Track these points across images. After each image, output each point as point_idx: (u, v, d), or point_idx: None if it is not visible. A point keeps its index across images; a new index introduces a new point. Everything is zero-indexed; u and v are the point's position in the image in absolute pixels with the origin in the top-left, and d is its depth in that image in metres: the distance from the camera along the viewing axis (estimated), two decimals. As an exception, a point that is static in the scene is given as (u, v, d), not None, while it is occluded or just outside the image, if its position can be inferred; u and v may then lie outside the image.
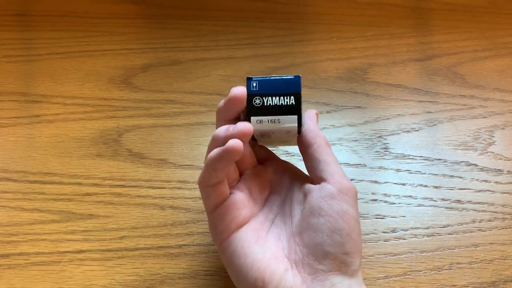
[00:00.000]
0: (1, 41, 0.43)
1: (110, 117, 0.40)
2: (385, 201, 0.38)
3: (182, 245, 0.36)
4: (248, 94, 0.28)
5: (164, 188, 0.38)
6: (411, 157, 0.39)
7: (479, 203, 0.38)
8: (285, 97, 0.28)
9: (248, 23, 0.45)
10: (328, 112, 0.41)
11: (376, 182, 0.38)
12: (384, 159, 0.39)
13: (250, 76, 0.28)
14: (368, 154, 0.40)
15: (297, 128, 0.28)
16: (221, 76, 0.42)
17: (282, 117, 0.27)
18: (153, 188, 0.38)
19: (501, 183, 0.39)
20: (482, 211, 0.38)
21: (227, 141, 0.26)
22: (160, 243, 0.36)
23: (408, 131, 0.40)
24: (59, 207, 0.37)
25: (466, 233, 0.37)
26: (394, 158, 0.39)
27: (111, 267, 0.35)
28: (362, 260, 0.36)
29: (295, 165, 0.33)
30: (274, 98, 0.28)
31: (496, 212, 0.38)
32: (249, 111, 0.28)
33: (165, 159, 0.39)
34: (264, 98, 0.28)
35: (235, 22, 0.45)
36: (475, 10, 0.46)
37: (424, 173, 0.39)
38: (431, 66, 0.43)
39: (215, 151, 0.26)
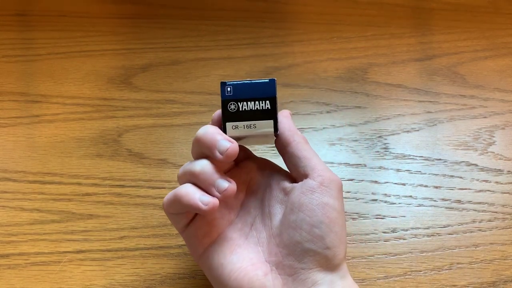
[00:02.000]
0: (1, 41, 0.43)
1: (110, 117, 0.40)
2: (385, 201, 0.38)
3: (182, 245, 0.36)
4: (222, 100, 0.27)
5: (164, 188, 0.38)
6: (411, 157, 0.39)
7: (479, 203, 0.38)
8: (261, 102, 0.27)
9: (248, 23, 0.45)
10: (328, 112, 0.41)
11: (376, 182, 0.38)
12: (384, 159, 0.39)
13: (224, 81, 0.28)
14: (368, 154, 0.39)
15: (273, 132, 0.27)
16: (221, 76, 0.42)
17: (258, 122, 0.27)
18: (153, 188, 0.38)
19: (501, 183, 0.39)
20: (482, 211, 0.38)
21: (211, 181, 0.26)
22: (160, 243, 0.36)
23: (408, 131, 0.40)
24: (59, 207, 0.37)
25: (466, 233, 0.37)
26: (394, 158, 0.39)
27: (111, 267, 0.35)
28: (363, 260, 0.36)
29: (274, 159, 0.32)
30: (249, 103, 0.27)
31: (496, 212, 0.37)
32: (224, 117, 0.27)
33: (165, 159, 0.39)
34: (239, 103, 0.27)
35: (235, 22, 0.45)
36: (475, 10, 0.46)
37: (424, 173, 0.39)
38: (431, 66, 0.43)
39: (184, 196, 0.26)
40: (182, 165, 0.38)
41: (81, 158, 0.39)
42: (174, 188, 0.37)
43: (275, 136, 0.28)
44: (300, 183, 0.28)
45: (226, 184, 0.26)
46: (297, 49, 0.44)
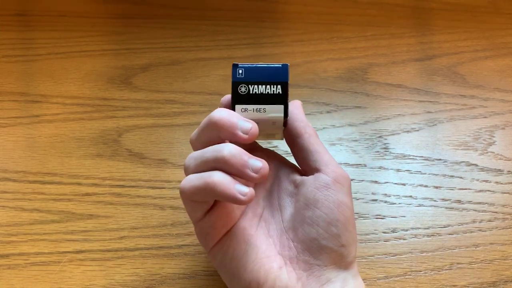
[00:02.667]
0: (1, 41, 0.43)
1: (110, 117, 0.40)
2: (385, 201, 0.38)
3: (182, 245, 0.36)
4: (233, 82, 0.27)
5: (164, 188, 0.38)
6: (411, 157, 0.39)
7: (480, 203, 0.38)
8: (272, 86, 0.27)
9: (248, 23, 0.45)
10: (328, 112, 0.41)
11: (376, 182, 0.38)
12: (384, 159, 0.39)
13: (236, 63, 0.27)
14: (368, 154, 0.39)
15: (283, 119, 0.27)
16: (221, 76, 0.42)
17: (268, 106, 0.27)
18: (153, 188, 0.38)
19: (502, 183, 0.39)
20: (483, 211, 0.38)
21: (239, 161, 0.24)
22: (160, 243, 0.36)
23: (408, 131, 0.40)
24: (59, 207, 0.37)
25: (466, 233, 0.37)
26: (394, 158, 0.39)
27: (111, 267, 0.35)
28: (363, 260, 0.36)
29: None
30: (260, 86, 0.27)
31: (496, 212, 0.37)
32: (234, 99, 0.27)
33: (165, 159, 0.39)
34: (250, 86, 0.27)
35: (235, 22, 0.45)
36: (475, 10, 0.46)
37: (425, 173, 0.39)
38: (431, 66, 0.43)
39: (218, 184, 0.24)
40: (182, 166, 0.38)
41: (81, 158, 0.39)
42: (174, 188, 0.38)
43: (284, 126, 0.28)
44: (311, 177, 0.28)
45: (260, 163, 0.25)
46: (297, 49, 0.44)
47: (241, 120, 0.25)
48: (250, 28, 0.44)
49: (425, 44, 0.44)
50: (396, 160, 0.39)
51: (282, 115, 0.27)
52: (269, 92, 0.27)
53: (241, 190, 0.24)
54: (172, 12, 0.45)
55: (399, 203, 0.38)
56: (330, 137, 0.40)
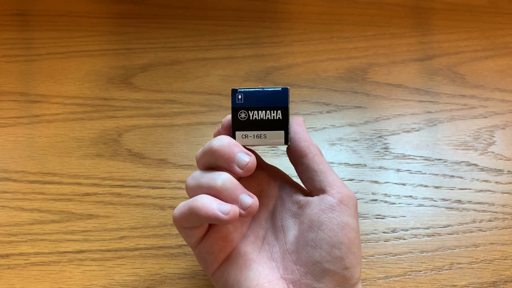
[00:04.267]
0: (1, 41, 0.43)
1: (109, 117, 0.40)
2: (385, 201, 0.38)
3: (182, 245, 0.36)
4: (233, 107, 0.26)
5: (164, 188, 0.38)
6: (411, 157, 0.39)
7: (480, 203, 0.38)
8: (272, 111, 0.26)
9: (248, 23, 0.45)
10: (328, 112, 0.41)
11: (376, 182, 0.38)
12: (385, 159, 0.39)
13: (235, 88, 0.27)
14: (368, 154, 0.39)
15: (283, 144, 0.27)
16: (221, 76, 0.42)
17: (268, 132, 0.26)
18: (153, 188, 0.38)
19: (502, 183, 0.39)
20: (483, 211, 0.37)
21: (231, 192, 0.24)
22: (160, 243, 0.36)
23: (408, 131, 0.40)
24: (58, 207, 0.37)
25: (466, 233, 0.37)
26: (394, 158, 0.39)
27: (111, 267, 0.35)
28: (363, 260, 0.35)
29: (274, 159, 0.32)
30: (260, 112, 0.26)
31: (496, 212, 0.37)
32: (234, 125, 0.26)
33: (165, 159, 0.39)
34: (249, 111, 0.26)
35: (235, 22, 0.45)
36: (476, 10, 0.46)
37: (425, 173, 0.39)
38: (431, 66, 0.43)
39: (201, 208, 0.24)
40: (182, 165, 0.39)
41: (81, 158, 0.39)
42: (174, 188, 0.38)
43: (287, 144, 0.28)
44: (316, 198, 0.27)
45: (250, 200, 0.25)
46: (297, 49, 0.44)
47: (240, 152, 0.25)
48: (250, 28, 0.44)
49: (425, 44, 0.44)
50: (396, 160, 0.39)
51: (283, 140, 0.27)
52: (269, 118, 0.26)
53: (223, 209, 0.24)
54: (172, 12, 0.45)
55: (399, 203, 0.38)
56: (330, 137, 0.40)
